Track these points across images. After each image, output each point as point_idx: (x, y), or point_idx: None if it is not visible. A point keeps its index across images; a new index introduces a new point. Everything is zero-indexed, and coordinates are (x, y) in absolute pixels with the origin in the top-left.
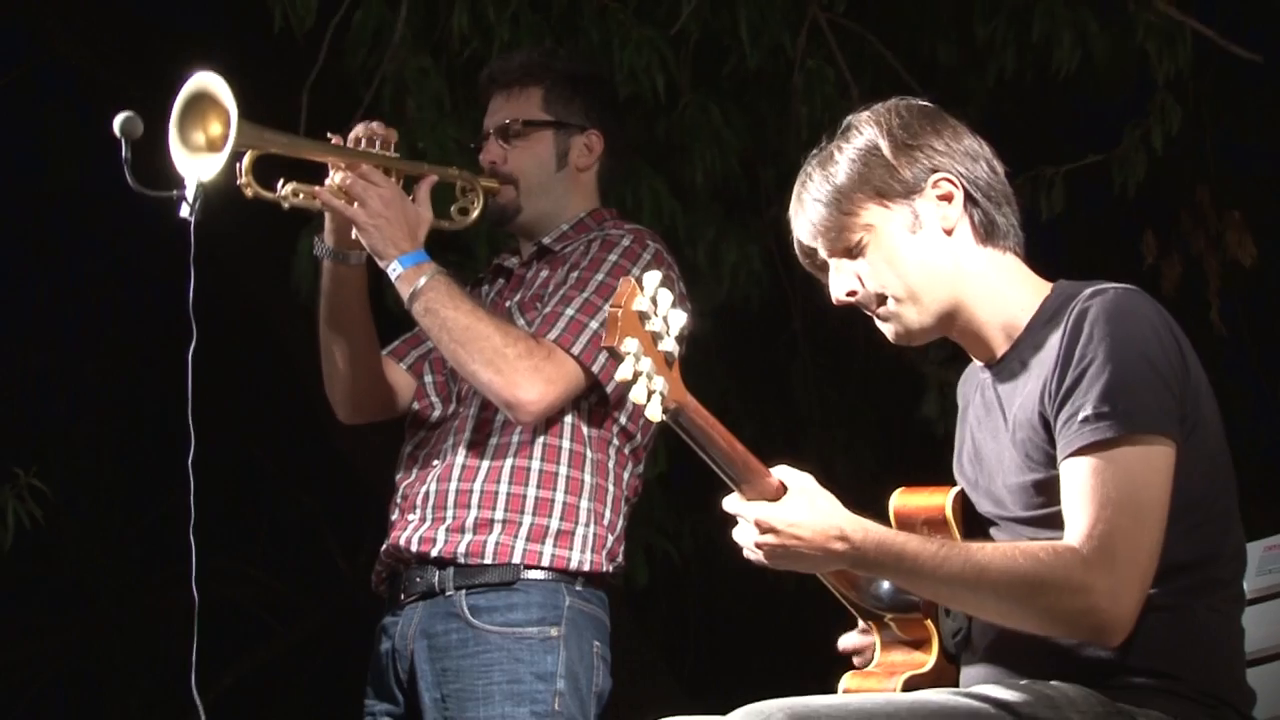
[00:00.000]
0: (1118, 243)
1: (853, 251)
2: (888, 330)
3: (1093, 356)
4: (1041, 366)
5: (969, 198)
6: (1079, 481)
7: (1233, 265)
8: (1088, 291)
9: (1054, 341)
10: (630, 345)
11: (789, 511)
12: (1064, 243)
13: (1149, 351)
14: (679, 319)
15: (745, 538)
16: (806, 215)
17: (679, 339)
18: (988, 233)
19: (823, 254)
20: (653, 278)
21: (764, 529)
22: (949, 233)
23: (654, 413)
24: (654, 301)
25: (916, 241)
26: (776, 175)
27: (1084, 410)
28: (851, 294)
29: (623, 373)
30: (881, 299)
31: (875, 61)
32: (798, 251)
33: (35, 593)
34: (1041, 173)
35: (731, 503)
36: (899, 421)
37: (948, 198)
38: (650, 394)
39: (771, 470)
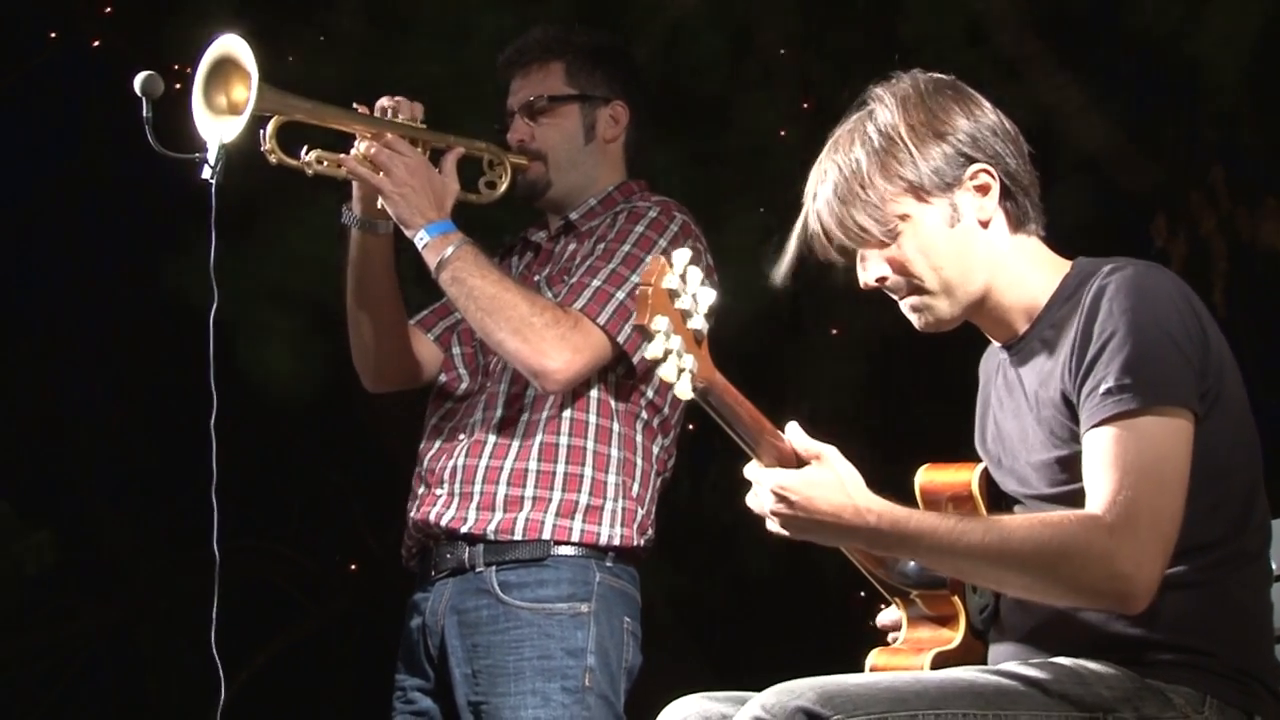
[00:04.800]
0: (1126, 226)
1: (885, 239)
2: (916, 319)
3: (1113, 330)
4: (1062, 344)
5: (1005, 190)
6: (1101, 450)
7: (1266, 249)
8: (1107, 268)
9: (1074, 318)
10: (660, 323)
11: (807, 481)
12: (1072, 227)
13: (1169, 326)
14: (708, 296)
15: (762, 505)
16: (831, 214)
17: (708, 316)
18: (1019, 222)
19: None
20: (682, 255)
21: (780, 497)
22: (984, 224)
23: (684, 391)
24: (683, 279)
25: (954, 235)
26: None
27: (1106, 382)
28: (881, 280)
29: (653, 351)
30: (914, 288)
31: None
32: (814, 245)
33: (69, 571)
34: None
35: (751, 470)
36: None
37: (985, 189)
38: (680, 372)
39: (794, 440)
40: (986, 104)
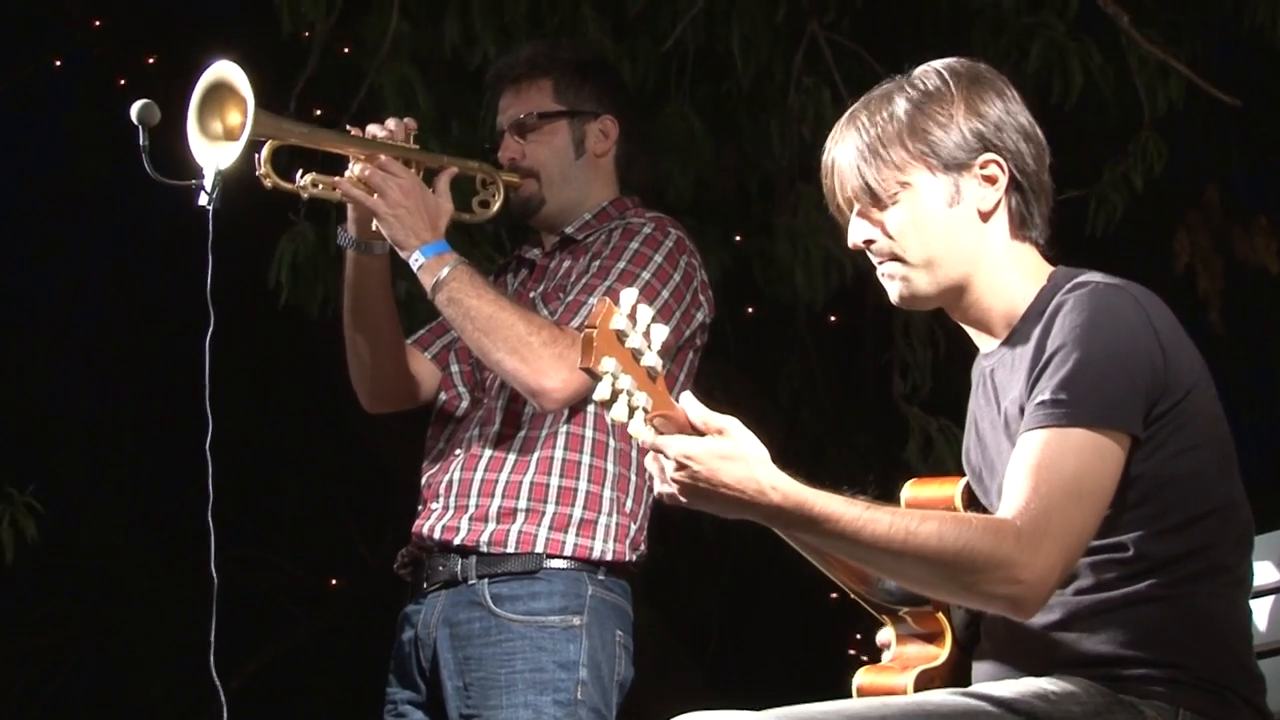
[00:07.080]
0: (1140, 241)
1: (883, 202)
2: (892, 289)
3: (1058, 346)
4: (1025, 358)
5: (1014, 184)
6: (1024, 457)
7: (1259, 270)
8: (1070, 284)
9: (1036, 333)
10: (608, 364)
11: (711, 452)
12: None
13: (1118, 345)
14: (661, 333)
15: (661, 470)
16: (848, 163)
17: (662, 353)
18: (1020, 224)
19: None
20: (629, 295)
21: (683, 465)
22: (983, 216)
23: (638, 429)
24: (631, 318)
25: (949, 215)
26: (760, 190)
27: (1042, 395)
28: (869, 242)
29: (601, 393)
30: (897, 257)
31: (871, 81)
32: (824, 184)
33: (59, 582)
34: None
35: (644, 432)
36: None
37: (992, 180)
38: (633, 410)
39: (691, 411)
40: (1023, 105)
